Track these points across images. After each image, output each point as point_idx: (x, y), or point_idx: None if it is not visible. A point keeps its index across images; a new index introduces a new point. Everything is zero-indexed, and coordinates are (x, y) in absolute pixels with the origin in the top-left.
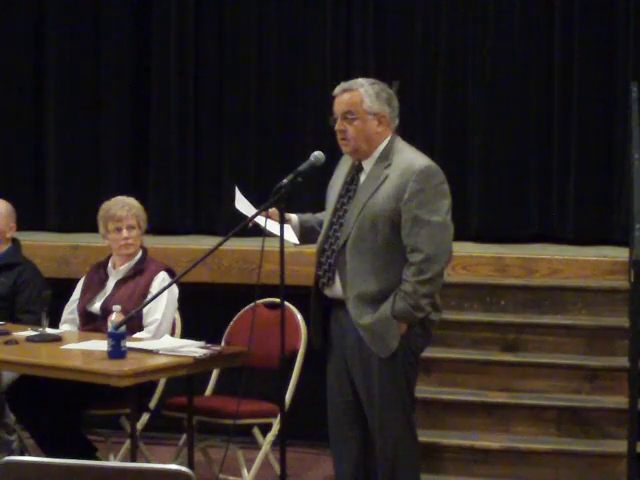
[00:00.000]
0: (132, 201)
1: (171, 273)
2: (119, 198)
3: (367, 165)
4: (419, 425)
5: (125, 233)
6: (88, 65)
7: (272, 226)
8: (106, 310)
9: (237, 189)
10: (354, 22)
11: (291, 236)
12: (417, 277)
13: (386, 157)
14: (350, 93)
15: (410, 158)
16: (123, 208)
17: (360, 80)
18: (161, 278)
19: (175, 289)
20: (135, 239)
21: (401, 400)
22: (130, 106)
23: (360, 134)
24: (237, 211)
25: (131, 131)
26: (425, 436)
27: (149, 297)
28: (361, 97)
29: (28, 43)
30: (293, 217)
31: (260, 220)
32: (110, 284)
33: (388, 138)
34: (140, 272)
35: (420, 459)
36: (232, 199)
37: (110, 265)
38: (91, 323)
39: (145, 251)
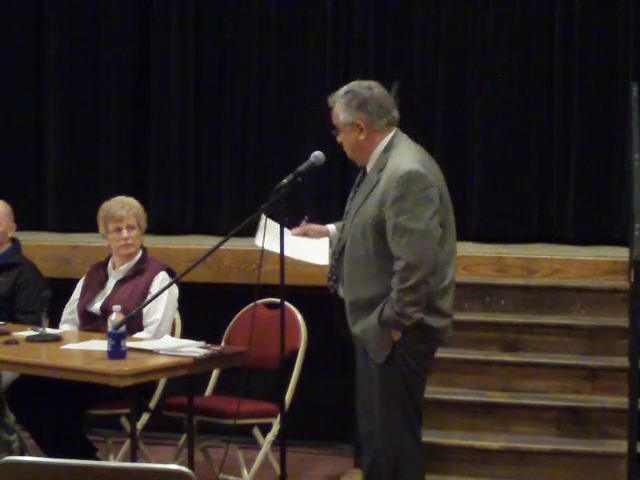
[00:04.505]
0: (132, 201)
1: (171, 273)
2: (119, 198)
3: (368, 168)
4: None
5: (125, 233)
6: (88, 65)
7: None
8: (106, 310)
9: (265, 218)
10: (354, 22)
11: (319, 256)
12: (399, 285)
13: (382, 160)
14: (333, 106)
15: (397, 162)
16: (123, 208)
17: (339, 91)
18: (161, 278)
19: (175, 289)
20: (135, 239)
21: (401, 406)
22: (130, 106)
23: (348, 146)
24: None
25: (131, 131)
26: (425, 436)
27: (149, 297)
28: (337, 111)
29: (28, 44)
30: (330, 228)
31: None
32: (110, 284)
33: (387, 138)
34: (140, 272)
35: (425, 466)
36: (232, 200)
37: (110, 265)
38: (91, 323)
39: (145, 251)
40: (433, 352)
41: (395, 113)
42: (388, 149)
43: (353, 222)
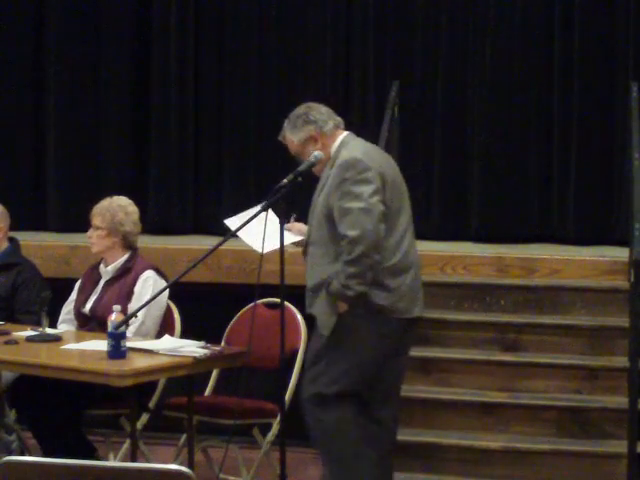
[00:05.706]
0: (110, 201)
1: (158, 272)
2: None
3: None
4: (419, 425)
5: (89, 232)
6: (88, 65)
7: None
8: (95, 311)
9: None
10: (354, 22)
11: (259, 243)
12: (344, 258)
13: (334, 158)
14: (286, 140)
15: (342, 155)
16: (96, 207)
17: (283, 126)
18: (145, 277)
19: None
20: (98, 239)
21: (344, 378)
22: (130, 106)
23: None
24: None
25: (131, 131)
26: (425, 436)
27: (145, 298)
28: (290, 139)
29: (28, 43)
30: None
31: (249, 236)
32: (100, 285)
33: (338, 140)
34: (127, 272)
35: (372, 446)
36: (232, 200)
37: (102, 265)
38: (87, 324)
39: (134, 251)
40: (390, 335)
41: (338, 118)
42: (340, 149)
43: (310, 217)
